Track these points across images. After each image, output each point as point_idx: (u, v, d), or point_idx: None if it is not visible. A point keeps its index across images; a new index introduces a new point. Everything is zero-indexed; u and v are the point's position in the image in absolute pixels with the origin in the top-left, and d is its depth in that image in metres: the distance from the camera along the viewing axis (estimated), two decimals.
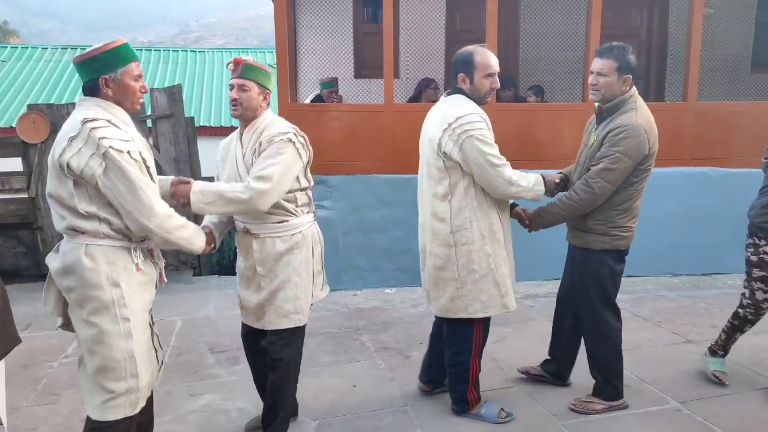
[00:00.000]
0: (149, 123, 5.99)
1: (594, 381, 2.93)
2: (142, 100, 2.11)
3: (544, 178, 2.72)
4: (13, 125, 8.13)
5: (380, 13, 5.70)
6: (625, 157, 2.57)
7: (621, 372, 2.89)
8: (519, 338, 3.90)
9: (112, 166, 1.91)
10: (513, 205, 2.90)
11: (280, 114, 5.02)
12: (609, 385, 2.88)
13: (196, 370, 3.53)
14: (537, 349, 3.63)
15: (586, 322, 2.89)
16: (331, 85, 6.07)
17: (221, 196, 2.31)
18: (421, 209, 2.77)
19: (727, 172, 5.40)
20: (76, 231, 1.98)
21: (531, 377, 3.22)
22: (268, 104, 2.58)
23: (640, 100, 2.69)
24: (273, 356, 2.55)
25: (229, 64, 2.50)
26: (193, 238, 2.17)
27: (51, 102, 10.20)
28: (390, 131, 5.06)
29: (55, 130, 5.66)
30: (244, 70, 2.44)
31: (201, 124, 13.52)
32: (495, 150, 2.55)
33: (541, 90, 6.33)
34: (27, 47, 16.28)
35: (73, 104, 5.78)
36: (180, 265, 5.94)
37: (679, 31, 6.47)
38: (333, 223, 5.02)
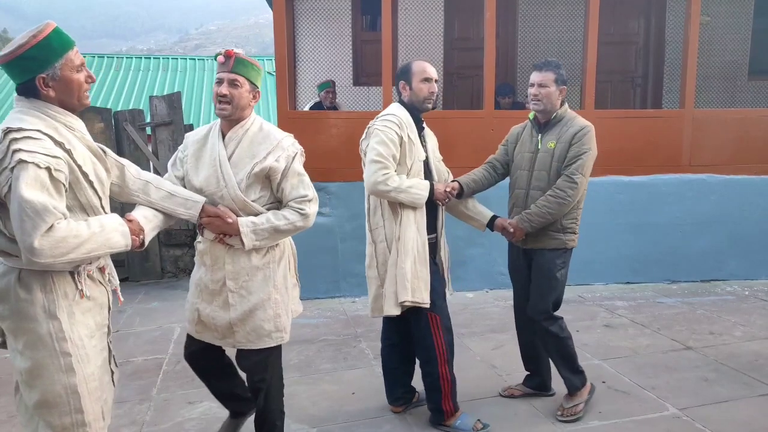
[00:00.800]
0: (149, 130, 6.00)
1: (564, 380, 2.96)
2: (89, 93, 1.82)
3: (433, 187, 2.75)
4: None
5: (379, 20, 5.74)
6: (593, 154, 2.80)
7: (576, 353, 2.98)
8: (517, 344, 3.88)
9: (14, 182, 1.58)
10: (494, 217, 2.99)
11: (280, 121, 5.04)
12: (576, 373, 2.95)
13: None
14: None
15: (543, 323, 2.89)
16: (327, 86, 6.10)
17: (276, 230, 2.21)
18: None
19: (724, 179, 5.41)
20: (8, 254, 1.71)
21: (518, 398, 3.15)
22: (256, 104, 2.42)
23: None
24: (254, 378, 2.38)
25: (218, 56, 2.23)
26: (100, 247, 1.72)
27: None
28: None
29: None
30: (236, 64, 2.20)
31: None
32: (385, 149, 2.61)
33: None
34: None
35: None
36: (178, 272, 5.94)
37: (677, 39, 6.51)
38: (332, 229, 5.02)
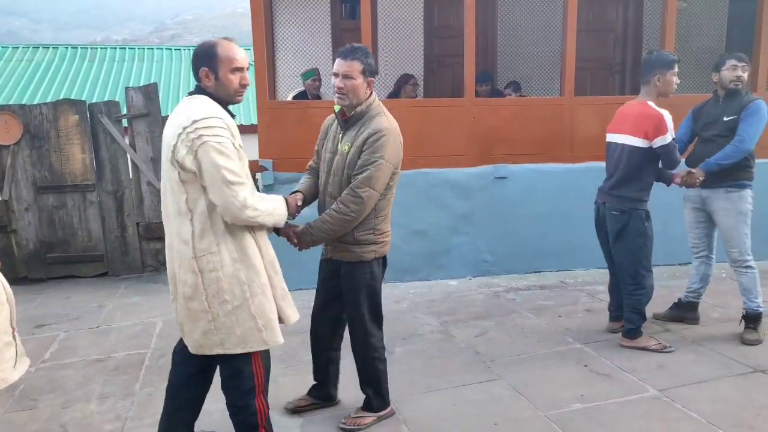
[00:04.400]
0: (125, 122, 5.90)
1: (364, 396, 2.84)
2: None
3: (286, 201, 2.45)
4: None
5: (358, 9, 5.70)
6: (388, 163, 2.53)
7: (387, 379, 2.85)
8: (501, 331, 3.93)
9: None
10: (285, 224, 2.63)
11: (259, 112, 4.98)
12: (379, 396, 2.82)
13: None
14: (520, 341, 3.67)
15: (356, 338, 2.77)
16: (313, 74, 6.05)
17: None
18: (167, 228, 2.30)
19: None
20: None
21: (304, 409, 2.97)
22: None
23: (383, 105, 2.64)
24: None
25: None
26: None
27: (23, 102, 9.97)
28: None
29: (28, 130, 5.54)
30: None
31: None
32: (234, 164, 2.12)
33: (518, 86, 6.39)
34: None
35: (47, 104, 5.69)
36: (159, 265, 5.87)
37: (654, 25, 6.57)
38: None
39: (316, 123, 5.04)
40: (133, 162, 5.76)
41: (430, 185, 5.12)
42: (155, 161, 5.71)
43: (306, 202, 2.76)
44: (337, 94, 2.56)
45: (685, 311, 3.97)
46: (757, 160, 5.56)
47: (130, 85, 6.74)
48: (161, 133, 6.50)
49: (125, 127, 5.92)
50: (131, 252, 5.80)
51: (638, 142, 3.36)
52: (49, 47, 15.79)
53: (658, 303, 4.42)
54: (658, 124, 3.28)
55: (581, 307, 4.40)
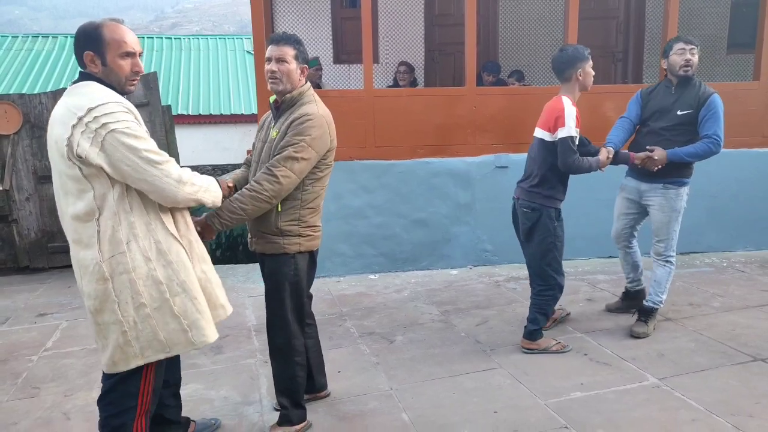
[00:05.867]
0: None
1: (280, 409, 2.64)
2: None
3: (217, 182, 2.30)
4: None
5: None
6: (310, 147, 2.40)
7: (304, 387, 2.68)
8: (502, 320, 3.94)
9: None
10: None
11: (259, 101, 4.97)
12: (297, 407, 2.63)
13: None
14: (520, 331, 3.67)
15: (276, 338, 2.59)
16: (315, 63, 6.03)
17: None
18: (68, 236, 2.07)
19: None
20: None
21: None
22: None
23: (316, 95, 2.57)
24: None
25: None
26: None
27: (23, 92, 9.97)
28: (370, 117, 5.04)
29: (28, 120, 5.54)
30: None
31: (179, 112, 13.35)
32: (151, 144, 1.97)
33: (521, 75, 6.36)
34: None
35: (47, 93, 5.68)
36: None
37: (657, 13, 6.52)
38: None
39: None
40: None
41: (430, 174, 5.11)
42: None
43: (237, 192, 2.55)
44: (270, 79, 2.48)
45: (634, 300, 3.92)
46: (758, 150, 5.55)
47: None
48: (162, 122, 6.52)
49: None
50: None
51: (546, 135, 3.26)
52: (48, 36, 15.74)
53: None
54: (559, 116, 3.16)
55: (582, 297, 4.41)
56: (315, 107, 2.47)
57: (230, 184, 2.49)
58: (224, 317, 2.24)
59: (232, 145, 13.74)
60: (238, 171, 2.77)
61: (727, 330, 3.65)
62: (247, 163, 2.78)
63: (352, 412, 2.83)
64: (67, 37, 15.55)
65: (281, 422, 2.61)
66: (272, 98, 2.59)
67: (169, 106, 6.10)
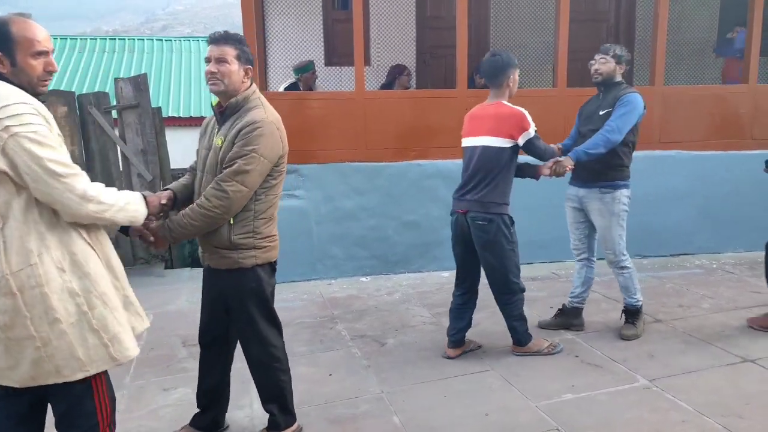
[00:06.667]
0: (114, 114, 5.85)
1: (269, 415, 2.57)
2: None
3: (145, 198, 2.12)
4: None
5: None
6: (261, 157, 2.27)
7: (291, 391, 2.60)
8: (493, 322, 3.94)
9: None
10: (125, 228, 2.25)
11: None
12: (286, 412, 2.58)
13: (168, 363, 3.48)
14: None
15: (253, 350, 2.51)
16: (310, 67, 5.99)
17: None
18: None
19: (693, 155, 5.50)
20: None
21: None
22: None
23: (263, 98, 2.43)
24: None
25: None
26: None
27: None
28: (362, 119, 5.03)
29: None
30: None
31: (169, 114, 13.29)
32: (58, 154, 1.78)
33: None
34: None
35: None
36: (150, 258, 5.84)
37: (647, 16, 6.55)
38: (306, 212, 4.98)
39: (309, 114, 5.07)
40: (122, 154, 5.71)
41: (422, 176, 5.11)
42: (145, 153, 5.66)
43: (178, 203, 2.45)
44: (209, 81, 2.32)
45: (570, 317, 3.79)
46: (747, 152, 5.59)
47: (120, 76, 6.67)
48: (152, 124, 6.49)
49: (115, 118, 5.87)
50: (122, 245, 5.76)
51: (502, 142, 3.16)
52: None
53: (649, 294, 4.45)
54: (520, 122, 3.13)
55: None
56: (263, 112, 2.32)
57: (163, 202, 2.32)
58: (142, 330, 2.08)
59: None
60: (181, 179, 2.57)
61: (716, 331, 3.67)
62: (192, 170, 2.58)
63: (343, 415, 2.82)
64: (56, 38, 15.44)
65: (270, 427, 2.57)
66: (214, 101, 2.42)
67: (160, 108, 6.06)
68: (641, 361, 3.29)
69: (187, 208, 2.31)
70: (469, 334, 3.56)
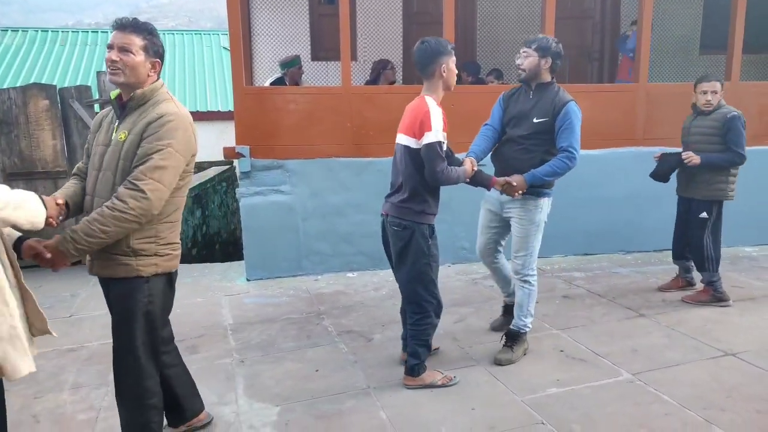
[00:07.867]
0: (97, 107, 5.77)
1: None
2: None
3: (41, 198, 1.94)
4: None
5: None
6: (177, 153, 2.09)
7: None
8: (479, 318, 3.96)
9: None
10: (21, 238, 2.05)
11: (236, 97, 4.90)
12: None
13: None
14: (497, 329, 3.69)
15: (125, 379, 2.25)
16: (297, 62, 5.96)
17: None
18: None
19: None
20: None
21: None
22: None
23: (170, 93, 2.28)
24: None
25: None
26: None
27: None
28: (348, 114, 5.01)
29: None
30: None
31: None
32: None
33: (500, 74, 6.40)
34: None
35: (16, 89, 5.53)
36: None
37: (631, 14, 6.61)
38: (293, 208, 4.96)
39: (295, 109, 5.04)
40: None
41: None
42: None
43: (70, 211, 2.22)
44: (109, 70, 2.12)
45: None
46: (754, 148, 5.64)
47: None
48: None
49: (96, 112, 5.78)
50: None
51: (411, 141, 2.84)
52: (18, 30, 15.34)
53: (633, 289, 4.50)
54: (423, 119, 2.77)
55: (558, 294, 4.45)
56: (174, 106, 2.15)
57: (60, 201, 2.11)
58: (25, 374, 1.91)
59: (209, 143, 13.51)
60: (68, 184, 2.31)
61: (698, 325, 3.72)
62: (79, 174, 2.34)
63: (329, 411, 2.82)
64: (37, 31, 15.18)
65: None
66: (114, 93, 2.22)
67: None
68: (625, 355, 3.32)
69: (93, 213, 2.04)
70: (455, 329, 3.57)
